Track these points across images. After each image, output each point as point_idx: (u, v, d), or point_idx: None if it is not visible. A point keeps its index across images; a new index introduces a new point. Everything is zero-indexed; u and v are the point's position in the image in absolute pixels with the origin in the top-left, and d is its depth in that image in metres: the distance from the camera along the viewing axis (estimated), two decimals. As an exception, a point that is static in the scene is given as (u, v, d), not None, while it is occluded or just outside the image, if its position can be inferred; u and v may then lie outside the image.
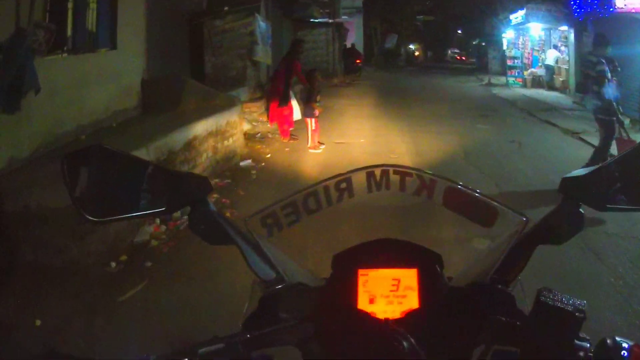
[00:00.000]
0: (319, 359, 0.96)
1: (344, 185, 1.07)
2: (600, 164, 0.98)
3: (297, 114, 10.49)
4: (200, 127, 7.50)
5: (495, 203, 1.01)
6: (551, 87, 21.57)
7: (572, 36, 18.90)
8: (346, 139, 10.73)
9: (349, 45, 30.34)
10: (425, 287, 0.99)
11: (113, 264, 4.91)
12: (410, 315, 0.96)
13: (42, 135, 6.23)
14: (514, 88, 23.15)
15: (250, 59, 13.51)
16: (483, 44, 41.08)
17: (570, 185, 0.98)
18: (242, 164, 8.56)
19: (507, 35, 27.36)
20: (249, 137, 10.36)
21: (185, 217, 5.52)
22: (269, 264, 1.05)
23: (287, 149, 9.83)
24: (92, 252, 4.87)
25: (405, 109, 15.32)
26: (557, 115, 14.61)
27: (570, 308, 0.86)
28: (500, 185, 7.44)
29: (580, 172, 0.97)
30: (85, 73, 7.13)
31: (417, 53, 55.66)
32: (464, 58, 50.06)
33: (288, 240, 1.25)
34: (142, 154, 5.65)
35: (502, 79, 25.62)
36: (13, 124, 5.61)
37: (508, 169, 8.43)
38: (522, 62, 24.61)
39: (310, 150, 9.57)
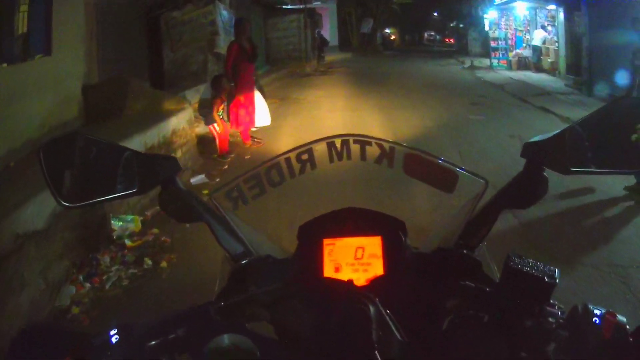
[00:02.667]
0: (290, 329, 0.95)
1: (305, 156, 1.10)
2: (563, 128, 0.99)
3: (262, 114, 9.23)
4: (137, 141, 6.42)
5: (455, 167, 1.08)
6: (538, 68, 21.03)
7: (561, 15, 18.16)
8: (321, 140, 9.76)
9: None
10: (390, 254, 1.01)
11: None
12: (375, 281, 0.98)
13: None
14: (498, 70, 22.74)
15: (211, 52, 12.69)
16: (461, 25, 41.31)
17: (533, 150, 1.02)
18: (193, 181, 7.12)
19: (490, 16, 26.63)
20: (206, 143, 9.11)
21: (114, 268, 4.91)
22: (237, 238, 1.09)
23: (247, 157, 8.47)
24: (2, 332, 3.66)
25: (387, 99, 14.20)
26: (552, 100, 13.50)
27: (540, 274, 0.87)
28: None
29: (542, 136, 1.01)
30: (15, 86, 6.29)
31: (393, 37, 55.01)
32: (452, 40, 48.40)
33: (255, 213, 1.26)
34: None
35: (485, 61, 25.29)
36: None
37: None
38: (506, 43, 24.11)
39: (219, 159, 8.27)
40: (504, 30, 24.65)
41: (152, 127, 7.00)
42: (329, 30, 35.86)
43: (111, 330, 0.87)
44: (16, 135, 6.26)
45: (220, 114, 8.44)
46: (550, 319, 0.86)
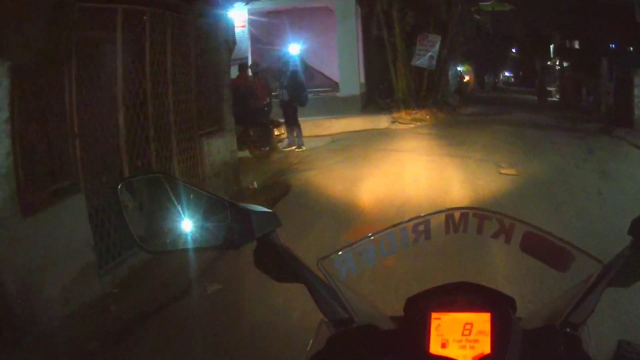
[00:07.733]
0: None
1: (421, 227, 1.07)
2: None
3: None
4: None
5: (573, 248, 1.02)
6: None
7: None
8: None
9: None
10: (498, 332, 0.96)
11: None
12: None
13: None
14: None
15: None
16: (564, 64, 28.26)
17: (639, 228, 0.97)
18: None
19: None
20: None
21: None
22: (339, 303, 1.03)
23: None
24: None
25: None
26: None
27: None
28: None
29: None
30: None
31: (467, 78, 31.54)
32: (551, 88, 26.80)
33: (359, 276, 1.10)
34: None
35: None
36: None
37: None
38: None
39: None
40: None
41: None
42: (336, 56, 15.17)
43: None
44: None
45: None
46: None
